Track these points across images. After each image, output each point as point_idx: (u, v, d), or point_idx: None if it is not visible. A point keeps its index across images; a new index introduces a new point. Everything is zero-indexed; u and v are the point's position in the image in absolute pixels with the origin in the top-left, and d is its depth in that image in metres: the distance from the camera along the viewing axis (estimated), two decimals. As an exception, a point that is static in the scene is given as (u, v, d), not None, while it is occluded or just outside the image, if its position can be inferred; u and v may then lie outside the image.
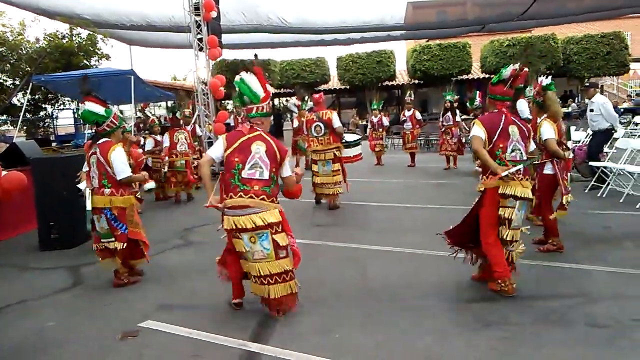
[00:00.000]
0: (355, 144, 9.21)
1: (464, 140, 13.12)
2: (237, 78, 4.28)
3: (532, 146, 4.78)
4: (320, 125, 8.51)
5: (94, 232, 5.28)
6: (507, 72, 4.54)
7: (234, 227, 4.02)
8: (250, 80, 4.24)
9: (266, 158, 4.12)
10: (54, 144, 14.41)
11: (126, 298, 4.88)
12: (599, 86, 9.53)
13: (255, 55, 4.51)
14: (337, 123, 8.48)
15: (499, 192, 4.37)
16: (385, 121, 15.57)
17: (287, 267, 4.11)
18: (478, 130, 4.47)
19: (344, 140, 8.77)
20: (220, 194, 4.23)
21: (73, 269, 5.94)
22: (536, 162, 5.34)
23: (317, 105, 8.86)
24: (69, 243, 6.82)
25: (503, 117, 4.50)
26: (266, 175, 4.09)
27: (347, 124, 29.52)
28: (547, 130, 5.49)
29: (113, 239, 5.14)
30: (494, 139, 4.43)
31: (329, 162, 8.54)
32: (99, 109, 5.15)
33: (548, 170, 5.60)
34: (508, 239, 4.42)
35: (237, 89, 4.28)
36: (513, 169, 4.32)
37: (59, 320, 4.43)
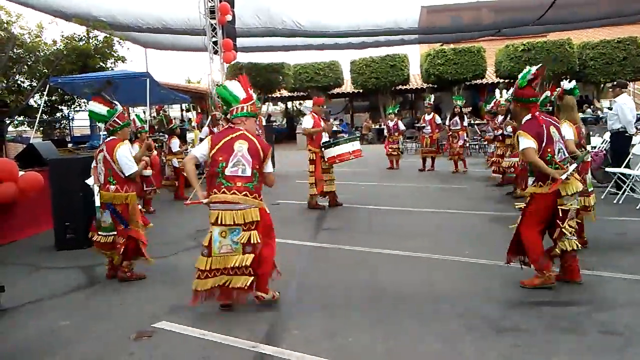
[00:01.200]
0: (345, 141, 9.34)
1: (467, 145, 13.22)
2: (220, 86, 4.63)
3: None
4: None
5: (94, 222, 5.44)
6: (532, 71, 4.60)
7: (215, 221, 4.21)
8: (231, 85, 4.51)
9: (248, 156, 4.29)
10: (70, 145, 14.59)
11: (139, 299, 4.92)
12: (626, 86, 9.47)
13: (242, 66, 4.73)
14: (303, 125, 9.24)
15: (562, 194, 4.45)
16: (401, 125, 15.62)
17: (247, 262, 4.20)
18: (528, 142, 4.49)
19: (323, 142, 9.08)
20: (207, 190, 4.38)
21: (88, 269, 6.00)
22: (584, 158, 5.35)
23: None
24: (84, 243, 6.87)
25: (542, 122, 4.52)
26: (248, 172, 4.27)
27: (359, 127, 29.53)
28: (567, 131, 5.47)
29: (115, 233, 5.33)
30: (543, 145, 4.49)
31: (308, 163, 9.10)
32: (101, 108, 5.36)
33: None
34: (571, 231, 4.56)
35: (218, 95, 4.63)
36: (570, 169, 4.42)
37: (73, 319, 4.48)
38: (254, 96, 4.63)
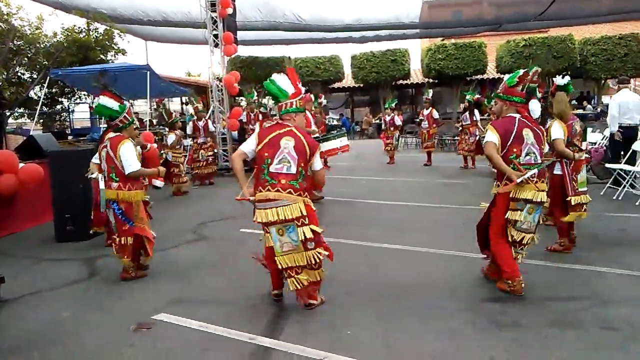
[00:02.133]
0: (335, 136, 9.42)
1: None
2: (268, 80, 4.42)
3: (546, 148, 4.75)
4: None
5: (108, 226, 5.35)
6: (519, 75, 4.56)
7: (263, 220, 4.12)
8: (279, 79, 4.39)
9: (294, 153, 4.19)
10: (70, 137, 14.56)
11: (139, 291, 4.93)
12: (626, 82, 9.47)
13: (289, 58, 4.62)
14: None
15: (511, 196, 4.36)
16: (398, 120, 15.52)
17: (316, 259, 4.18)
18: (491, 136, 4.44)
19: (314, 137, 9.04)
20: (254, 188, 4.29)
21: (88, 261, 6.01)
22: (549, 163, 5.30)
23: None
24: (84, 235, 6.89)
25: (517, 121, 4.47)
26: (293, 170, 4.17)
27: (360, 122, 29.51)
28: (556, 130, 5.47)
29: (116, 234, 5.20)
30: (508, 144, 4.41)
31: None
32: (113, 104, 5.19)
33: (557, 170, 5.58)
34: (517, 239, 4.44)
35: (266, 90, 4.44)
36: (528, 174, 4.30)
37: (73, 311, 4.48)
38: (303, 90, 4.58)
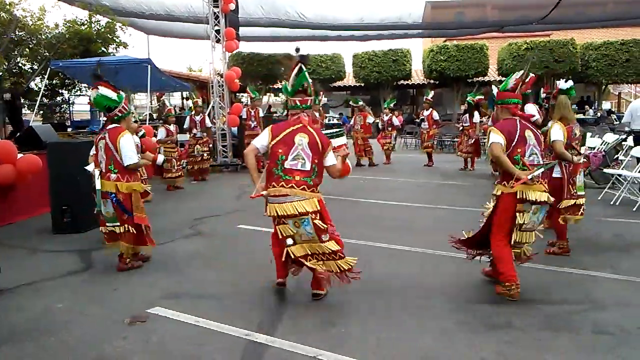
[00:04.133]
0: (333, 136, 9.44)
1: (480, 143, 13.07)
2: (297, 72, 4.41)
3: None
4: None
5: (100, 215, 5.36)
6: (511, 82, 4.62)
7: (277, 214, 4.15)
8: (307, 74, 4.42)
9: (308, 150, 4.23)
10: (69, 129, 14.56)
11: (135, 284, 4.94)
12: None
13: (297, 49, 4.58)
14: None
15: (518, 197, 4.33)
16: (395, 121, 15.52)
17: (333, 247, 4.25)
18: (496, 137, 4.45)
19: None
20: (266, 183, 4.30)
21: (84, 253, 6.01)
22: (554, 164, 5.32)
23: None
24: (81, 227, 6.90)
25: (518, 122, 4.50)
26: (308, 167, 4.21)
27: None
28: (556, 133, 5.50)
29: (118, 224, 5.22)
30: (513, 144, 4.44)
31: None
32: (111, 93, 5.22)
33: (556, 173, 5.58)
34: (519, 240, 4.45)
35: (294, 82, 4.43)
36: (536, 172, 4.33)
37: (68, 302, 4.49)
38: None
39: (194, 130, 11.86)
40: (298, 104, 4.41)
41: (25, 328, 3.98)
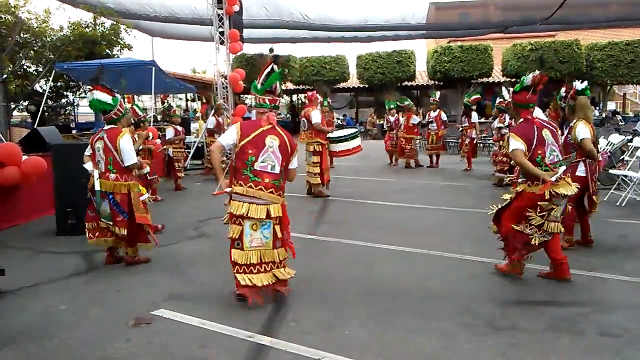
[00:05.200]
0: (348, 137, 9.73)
1: (475, 142, 13.13)
2: (269, 71, 4.35)
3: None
4: (304, 120, 9.39)
5: (94, 212, 5.42)
6: (528, 79, 4.65)
7: (241, 212, 4.13)
8: (280, 74, 4.37)
9: (279, 153, 4.25)
10: (74, 131, 14.60)
11: (138, 286, 4.93)
12: None
13: (271, 49, 4.57)
14: (314, 120, 9.20)
15: (556, 193, 4.45)
16: (402, 121, 15.46)
17: (280, 257, 4.28)
18: (517, 144, 4.53)
19: (329, 136, 9.54)
20: (230, 180, 4.31)
21: (88, 255, 6.01)
22: (574, 160, 5.37)
23: (308, 103, 9.74)
24: (85, 229, 6.89)
25: (535, 124, 4.57)
26: (277, 170, 4.23)
27: (364, 122, 29.47)
28: (583, 130, 5.53)
29: (111, 223, 5.27)
30: (533, 147, 4.52)
31: (310, 153, 9.30)
32: (106, 97, 5.33)
33: (581, 172, 5.62)
34: (550, 230, 4.61)
35: (264, 81, 4.36)
36: (560, 171, 4.43)
37: (71, 304, 4.49)
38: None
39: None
40: (267, 103, 4.36)
41: (28, 329, 3.98)
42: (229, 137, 4.32)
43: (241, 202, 4.14)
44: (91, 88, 5.39)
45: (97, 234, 5.45)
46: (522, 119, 4.71)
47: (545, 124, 4.68)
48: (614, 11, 18.35)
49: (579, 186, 4.69)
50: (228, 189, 4.23)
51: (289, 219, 4.40)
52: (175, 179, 10.74)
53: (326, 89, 13.89)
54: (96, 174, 5.30)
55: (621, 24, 21.20)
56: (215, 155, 4.38)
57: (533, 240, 4.64)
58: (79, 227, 6.89)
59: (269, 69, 4.36)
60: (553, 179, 4.37)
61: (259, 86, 4.39)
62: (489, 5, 19.64)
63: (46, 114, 16.49)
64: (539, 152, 4.51)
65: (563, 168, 4.49)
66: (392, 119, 15.01)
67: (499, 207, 4.90)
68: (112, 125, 5.38)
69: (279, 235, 4.24)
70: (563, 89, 6.06)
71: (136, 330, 3.90)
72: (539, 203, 4.51)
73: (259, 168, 4.17)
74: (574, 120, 5.71)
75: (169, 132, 10.77)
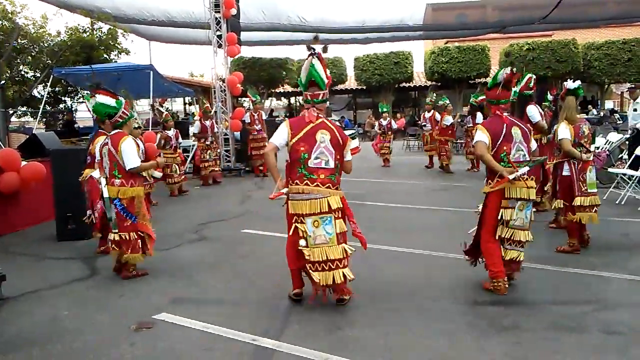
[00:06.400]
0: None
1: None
2: (307, 64, 4.24)
3: (534, 146, 4.79)
4: None
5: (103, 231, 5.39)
6: (500, 76, 4.64)
7: (299, 211, 4.10)
8: (319, 66, 4.24)
9: (331, 147, 4.17)
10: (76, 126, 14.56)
11: (140, 290, 4.92)
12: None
13: (316, 37, 4.48)
14: None
15: (505, 195, 4.44)
16: (394, 125, 15.52)
17: (348, 251, 4.20)
18: (481, 136, 4.54)
19: None
20: (286, 180, 4.26)
21: (89, 260, 6.01)
22: (541, 161, 5.35)
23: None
24: (85, 234, 6.88)
25: (505, 120, 4.58)
26: (332, 164, 4.16)
27: (362, 124, 29.48)
28: (562, 131, 5.68)
29: (116, 231, 5.17)
30: (498, 143, 4.50)
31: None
32: (110, 100, 5.27)
33: (565, 172, 5.74)
34: (507, 237, 4.53)
35: (305, 75, 4.26)
36: (520, 171, 4.37)
37: (73, 310, 4.48)
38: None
39: (208, 138, 11.99)
40: (309, 98, 4.30)
41: (32, 335, 3.97)
42: (280, 136, 4.23)
43: (300, 201, 4.09)
44: (93, 94, 5.33)
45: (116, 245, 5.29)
46: (492, 115, 4.71)
47: (517, 122, 4.66)
48: (611, 10, 18.38)
49: (533, 196, 4.52)
50: (284, 190, 4.17)
51: (351, 210, 4.32)
52: (167, 184, 10.65)
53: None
54: (103, 181, 5.25)
55: (619, 23, 21.24)
56: (270, 157, 4.32)
57: (505, 254, 4.55)
58: (79, 232, 6.91)
59: (306, 63, 4.26)
60: (511, 176, 4.33)
61: (303, 81, 4.30)
62: (486, 5, 19.65)
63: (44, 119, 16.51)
64: (505, 148, 4.48)
65: (525, 169, 4.41)
66: (384, 122, 15.00)
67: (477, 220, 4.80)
68: (118, 130, 5.29)
69: (344, 229, 4.16)
70: (549, 92, 6.11)
71: (140, 335, 3.90)
72: (502, 205, 4.46)
73: (313, 165, 4.11)
74: (558, 121, 5.81)
75: (157, 139, 10.69)
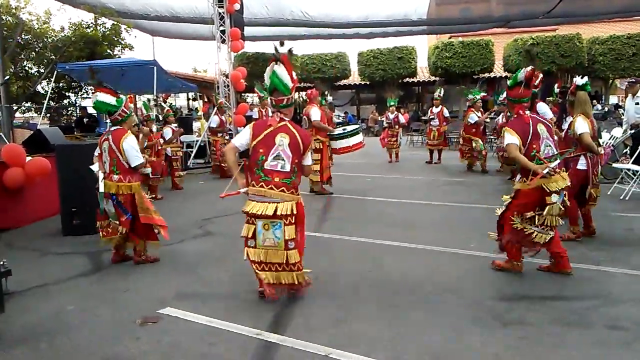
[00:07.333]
0: (348, 134, 9.64)
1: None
2: (268, 71, 4.31)
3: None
4: (305, 118, 9.40)
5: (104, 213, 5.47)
6: (521, 74, 4.70)
7: (253, 211, 4.15)
8: (281, 72, 4.28)
9: (289, 150, 4.19)
10: (76, 132, 14.59)
11: (145, 285, 4.94)
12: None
13: (282, 42, 4.51)
14: (313, 117, 9.20)
15: (549, 190, 4.55)
16: (402, 119, 15.47)
17: (295, 259, 4.21)
18: (511, 138, 4.63)
19: (330, 134, 9.46)
20: (246, 180, 4.35)
21: (94, 255, 6.03)
22: (570, 154, 5.45)
23: (309, 101, 9.74)
24: (90, 229, 6.88)
25: (530, 119, 4.67)
26: (287, 168, 4.17)
27: (365, 119, 29.45)
28: (582, 125, 5.69)
29: (118, 222, 5.36)
30: (528, 142, 4.60)
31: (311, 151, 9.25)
32: (110, 99, 5.37)
33: (582, 165, 5.79)
34: (550, 224, 4.68)
35: (268, 81, 4.33)
36: (552, 165, 4.50)
37: (78, 304, 4.50)
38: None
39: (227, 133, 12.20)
40: (274, 103, 4.34)
41: (38, 329, 4.00)
42: (242, 138, 4.31)
43: (255, 202, 4.16)
44: (95, 90, 5.44)
45: (110, 231, 5.46)
46: (515, 115, 4.79)
47: (540, 118, 4.79)
48: (616, 3, 18.30)
49: (569, 183, 4.73)
50: (243, 189, 4.23)
51: (303, 218, 4.35)
52: (173, 177, 10.79)
53: (323, 88, 13.82)
54: (101, 175, 5.35)
55: (624, 16, 21.13)
56: (229, 156, 4.37)
57: (537, 237, 4.68)
58: (85, 227, 6.94)
59: (268, 70, 4.33)
60: (545, 171, 4.46)
61: (267, 87, 4.39)
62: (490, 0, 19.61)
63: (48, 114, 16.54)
64: (534, 146, 4.60)
65: (557, 162, 4.57)
66: (391, 116, 14.96)
67: (501, 210, 4.94)
68: (118, 127, 5.43)
69: (292, 236, 4.17)
70: (556, 85, 6.16)
71: (145, 329, 3.92)
72: (547, 202, 4.58)
73: (269, 167, 4.15)
74: (574, 116, 5.85)
75: (167, 133, 10.78)
